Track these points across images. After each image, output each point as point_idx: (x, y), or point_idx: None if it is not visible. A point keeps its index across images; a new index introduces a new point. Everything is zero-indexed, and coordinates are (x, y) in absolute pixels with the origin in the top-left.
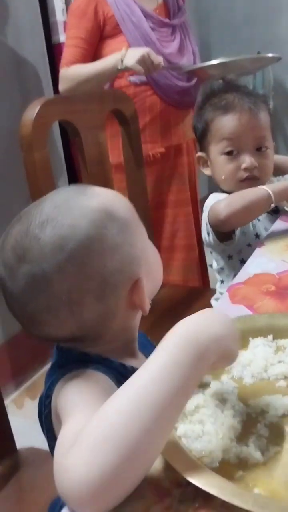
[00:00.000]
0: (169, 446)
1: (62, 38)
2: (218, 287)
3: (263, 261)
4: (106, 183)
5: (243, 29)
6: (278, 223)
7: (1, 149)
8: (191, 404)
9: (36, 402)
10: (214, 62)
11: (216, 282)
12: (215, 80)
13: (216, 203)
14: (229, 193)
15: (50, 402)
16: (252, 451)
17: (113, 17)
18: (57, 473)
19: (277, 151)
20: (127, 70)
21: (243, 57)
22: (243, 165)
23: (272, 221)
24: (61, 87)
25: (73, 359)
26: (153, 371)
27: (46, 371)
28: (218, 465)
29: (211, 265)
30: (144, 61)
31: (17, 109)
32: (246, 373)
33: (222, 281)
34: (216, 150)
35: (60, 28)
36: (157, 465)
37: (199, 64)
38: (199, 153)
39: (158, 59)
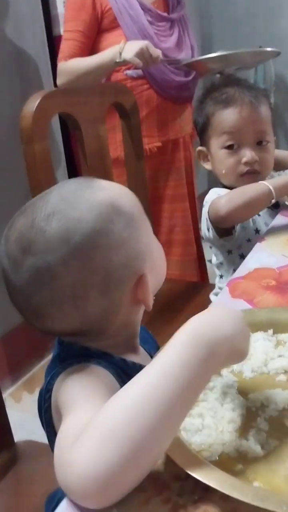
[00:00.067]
0: None
1: (62, 30)
2: (217, 281)
3: (264, 256)
4: (106, 177)
5: (245, 24)
6: (279, 218)
7: (1, 141)
8: None
9: (33, 396)
10: (213, 55)
11: (215, 277)
12: (214, 74)
13: (217, 199)
14: (229, 187)
15: (50, 396)
16: (252, 445)
17: (110, 10)
18: (59, 467)
19: (277, 146)
20: (126, 63)
21: (242, 50)
22: (244, 159)
23: (272, 216)
24: (59, 81)
25: (74, 353)
26: (159, 369)
27: (44, 365)
28: (218, 458)
29: (210, 260)
30: (142, 54)
31: (17, 102)
32: (246, 367)
33: (221, 276)
34: (216, 144)
35: (61, 20)
36: None
37: (198, 57)
38: (200, 147)
39: (157, 52)
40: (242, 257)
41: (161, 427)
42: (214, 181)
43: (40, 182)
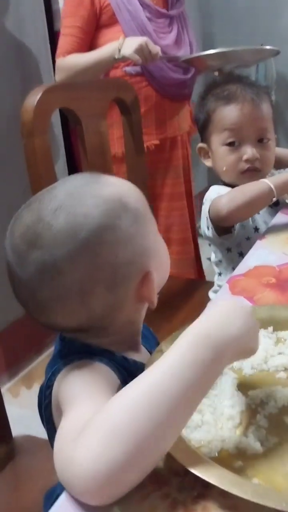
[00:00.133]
0: None
1: (61, 26)
2: (216, 279)
3: (264, 254)
4: (107, 173)
5: (246, 23)
6: (279, 216)
7: (1, 135)
8: None
9: (31, 391)
10: (211, 51)
11: (213, 275)
12: (213, 71)
13: (217, 199)
14: (230, 185)
15: (50, 392)
16: (252, 442)
17: (109, 6)
18: (60, 463)
19: (278, 145)
20: (124, 59)
21: (241, 48)
22: (245, 156)
23: (272, 214)
24: (58, 77)
25: (75, 350)
26: (165, 369)
27: (43, 360)
28: (217, 455)
29: (209, 258)
30: (141, 51)
31: (18, 96)
32: (246, 364)
33: (220, 274)
34: (217, 140)
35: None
36: None
37: (197, 54)
38: (200, 144)
39: (156, 49)
40: (241, 255)
41: (164, 426)
42: (214, 179)
43: (40, 176)
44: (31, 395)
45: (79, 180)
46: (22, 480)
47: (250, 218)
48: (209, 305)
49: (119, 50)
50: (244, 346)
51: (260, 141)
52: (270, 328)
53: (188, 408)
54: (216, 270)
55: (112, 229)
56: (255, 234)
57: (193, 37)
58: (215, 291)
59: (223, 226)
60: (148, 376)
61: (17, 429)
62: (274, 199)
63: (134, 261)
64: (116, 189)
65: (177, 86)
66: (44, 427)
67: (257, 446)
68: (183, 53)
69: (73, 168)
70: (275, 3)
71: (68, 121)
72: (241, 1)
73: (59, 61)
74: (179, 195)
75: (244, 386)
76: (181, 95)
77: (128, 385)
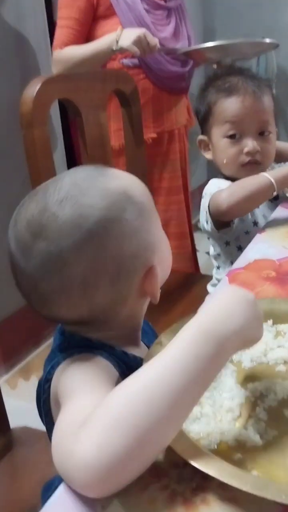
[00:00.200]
0: None
1: (57, 17)
2: (214, 273)
3: (264, 247)
4: (106, 165)
5: (248, 15)
6: (279, 210)
7: (0, 127)
8: None
9: (29, 383)
10: (210, 44)
11: (211, 268)
12: (211, 64)
13: (217, 193)
14: (230, 178)
15: (49, 386)
16: (251, 434)
17: None
18: (59, 455)
19: (278, 138)
20: (122, 51)
21: (240, 40)
22: (246, 149)
23: (271, 208)
24: (55, 69)
25: (75, 344)
26: (167, 362)
27: (41, 352)
28: (216, 447)
29: (207, 252)
30: (140, 42)
31: (17, 87)
32: (245, 356)
33: (218, 267)
34: (218, 133)
35: None
36: None
37: (196, 46)
38: (201, 136)
39: (154, 41)
40: (240, 249)
41: (165, 420)
42: (213, 172)
43: (39, 167)
44: (29, 387)
45: (85, 172)
46: (20, 472)
47: (249, 212)
48: (207, 298)
49: (117, 42)
50: (247, 336)
51: (261, 134)
52: (270, 321)
53: (189, 403)
54: (215, 263)
55: (118, 221)
56: (254, 228)
57: (191, 30)
58: (214, 285)
59: (222, 220)
60: (149, 369)
61: (14, 421)
62: (275, 193)
63: (138, 255)
64: (122, 182)
65: (175, 79)
66: (42, 421)
67: (256, 438)
68: (181, 45)
69: (72, 160)
70: None
71: (67, 113)
72: None
73: (56, 53)
74: (176, 189)
75: (243, 379)
76: (178, 88)
77: (128, 378)
